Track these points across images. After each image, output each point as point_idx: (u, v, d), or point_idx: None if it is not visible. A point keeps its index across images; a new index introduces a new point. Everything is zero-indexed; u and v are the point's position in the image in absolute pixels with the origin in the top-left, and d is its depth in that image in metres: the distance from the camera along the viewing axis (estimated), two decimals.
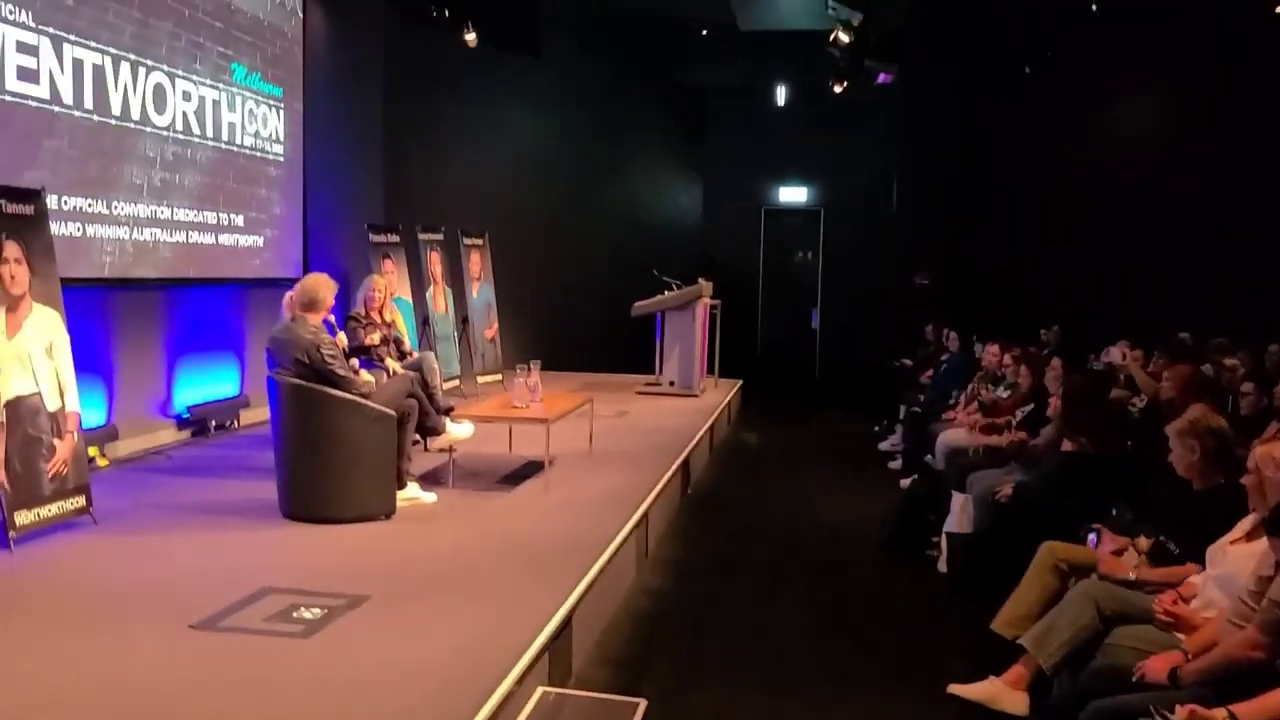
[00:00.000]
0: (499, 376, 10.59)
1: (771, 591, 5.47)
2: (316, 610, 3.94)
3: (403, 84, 11.25)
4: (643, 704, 3.64)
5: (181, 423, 7.54)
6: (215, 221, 7.85)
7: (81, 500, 5.09)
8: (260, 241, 8.46)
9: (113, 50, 6.68)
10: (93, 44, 6.49)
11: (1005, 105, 12.27)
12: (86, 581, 4.32)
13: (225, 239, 7.99)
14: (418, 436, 5.98)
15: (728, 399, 10.88)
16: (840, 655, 4.51)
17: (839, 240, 14.99)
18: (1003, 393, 7.13)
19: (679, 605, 5.16)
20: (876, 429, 10.90)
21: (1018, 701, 3.42)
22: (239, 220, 8.16)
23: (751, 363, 13.91)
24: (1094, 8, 8.83)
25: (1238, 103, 10.88)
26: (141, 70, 6.96)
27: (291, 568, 4.51)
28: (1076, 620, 3.27)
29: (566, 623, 4.02)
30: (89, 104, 6.49)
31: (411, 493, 5.66)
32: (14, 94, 5.90)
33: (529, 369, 6.57)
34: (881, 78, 12.61)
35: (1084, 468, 4.95)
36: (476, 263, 10.70)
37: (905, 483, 7.96)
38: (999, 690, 3.45)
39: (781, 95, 13.58)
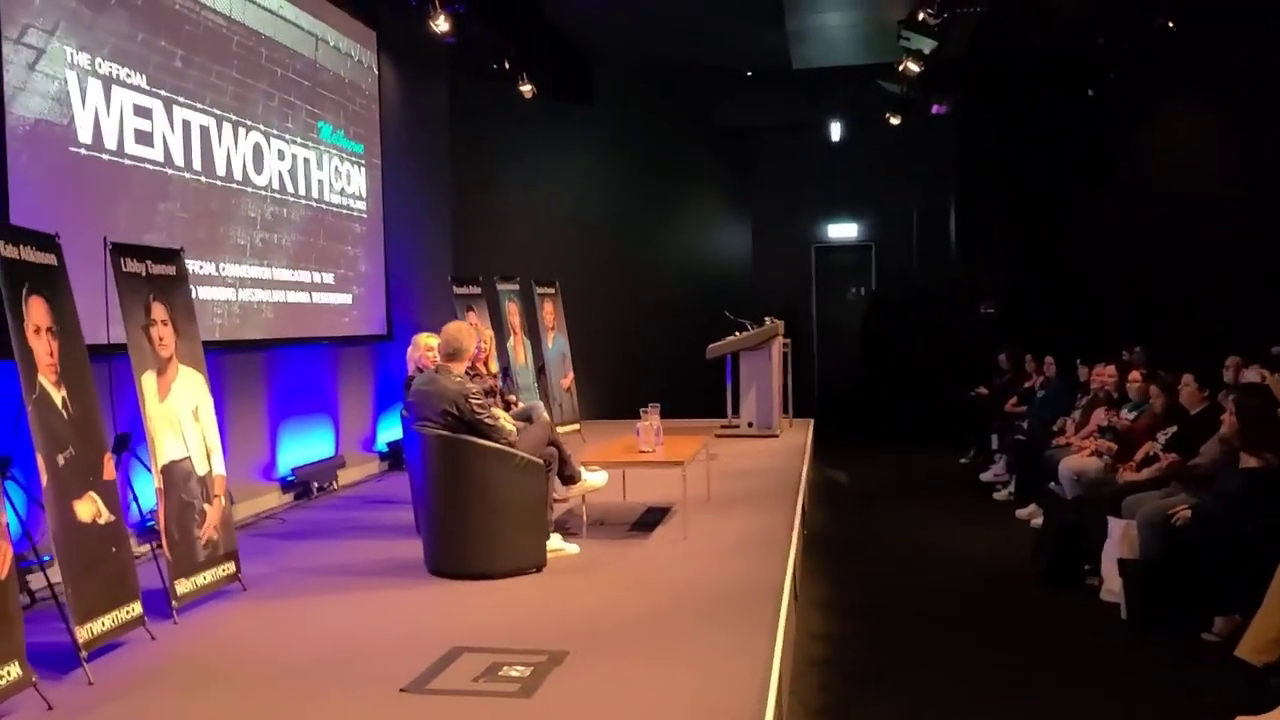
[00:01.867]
0: (577, 426, 10.43)
1: (938, 631, 5.27)
2: (520, 668, 3.75)
3: (465, 137, 11.24)
4: None
5: (286, 485, 7.39)
6: (309, 280, 7.77)
7: (231, 567, 4.92)
8: (349, 299, 8.36)
9: (216, 111, 6.63)
10: (198, 105, 6.45)
11: (1062, 130, 12.24)
12: (268, 649, 4.14)
13: (319, 297, 7.90)
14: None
15: (809, 438, 10.69)
16: (1048, 695, 4.31)
17: (891, 274, 14.91)
18: (1128, 414, 6.95)
19: (852, 649, 4.97)
20: (963, 460, 10.72)
21: None
22: (329, 278, 8.07)
23: (810, 400, 13.73)
24: (1170, 25, 8.75)
25: None
26: (241, 130, 6.92)
27: (470, 626, 4.32)
28: None
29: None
30: (197, 165, 6.43)
31: (555, 544, 5.48)
32: (133, 157, 5.84)
33: (650, 412, 6.43)
34: (935, 109, 12.59)
35: (1273, 483, 4.77)
36: (550, 312, 10.59)
37: (1022, 513, 7.79)
38: None
39: (836, 131, 13.60)
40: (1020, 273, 12.81)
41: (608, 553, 5.65)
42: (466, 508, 5.10)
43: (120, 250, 4.57)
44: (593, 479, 5.96)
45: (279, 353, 7.48)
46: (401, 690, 3.57)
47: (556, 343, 10.65)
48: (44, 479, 3.79)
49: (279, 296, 7.33)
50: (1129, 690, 4.34)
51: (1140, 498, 5.59)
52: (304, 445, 7.72)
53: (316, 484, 7.64)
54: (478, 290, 9.35)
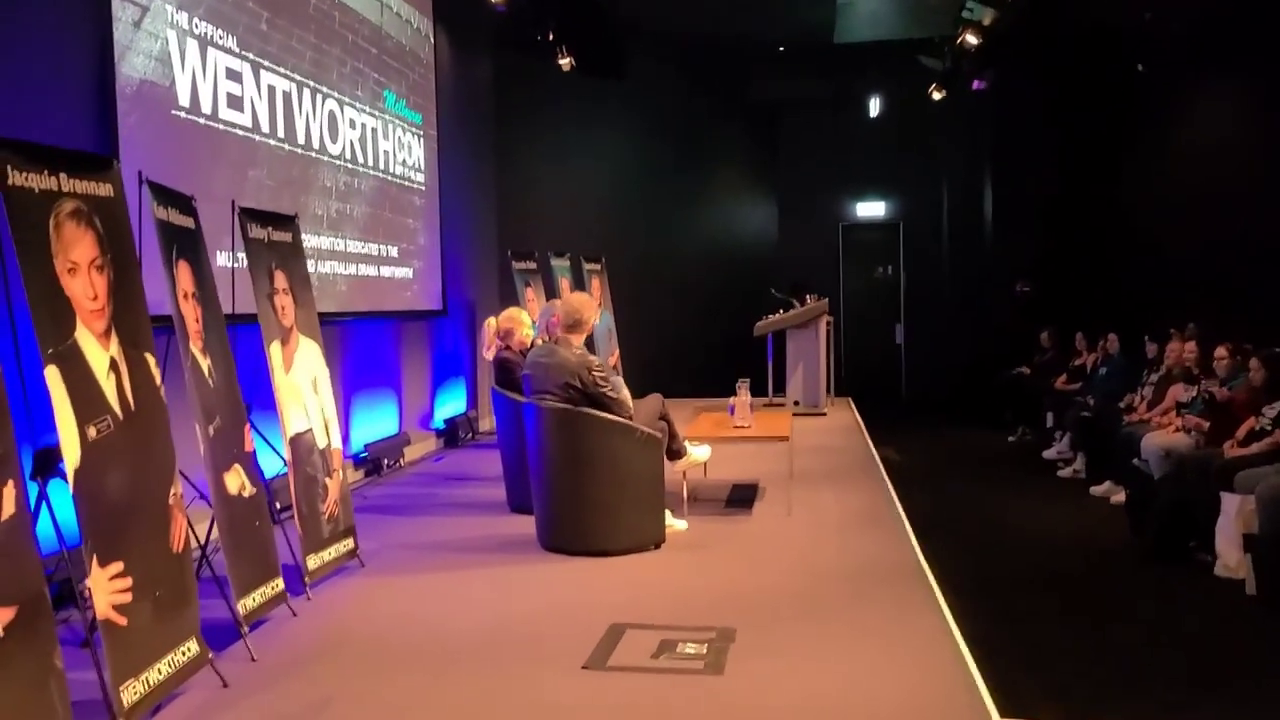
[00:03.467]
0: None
1: (1062, 608, 5.18)
2: (694, 645, 3.65)
3: (506, 109, 11.04)
4: None
5: (358, 462, 7.24)
6: (377, 253, 7.59)
7: (351, 543, 4.79)
8: (410, 273, 8.19)
9: (297, 77, 6.44)
10: (280, 70, 6.26)
11: (1104, 105, 12.15)
12: (417, 624, 4.01)
13: (385, 271, 7.73)
14: None
15: (856, 416, 10.62)
16: (1200, 671, 4.23)
17: (920, 253, 14.80)
18: (1223, 390, 6.87)
19: (986, 625, 4.88)
20: (1011, 438, 10.66)
21: None
22: (393, 251, 7.90)
23: (839, 379, 13.64)
24: None
25: None
26: (319, 97, 6.73)
27: (616, 602, 4.21)
28: None
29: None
30: (281, 133, 6.24)
31: (665, 519, 5.37)
32: (225, 122, 5.65)
33: (742, 388, 6.36)
34: (976, 84, 12.45)
35: None
36: (596, 288, 10.45)
37: (1097, 490, 7.71)
38: None
39: (874, 107, 13.48)
40: (1059, 250, 12.72)
41: (717, 529, 5.55)
42: (587, 482, 4.98)
43: (247, 215, 4.41)
44: (698, 453, 5.85)
45: (350, 326, 7.32)
46: (583, 668, 3.46)
47: (603, 319, 10.50)
48: (201, 449, 3.65)
49: (351, 269, 7.16)
50: (1270, 665, 4.28)
51: (1255, 473, 5.51)
52: (372, 421, 7.57)
53: (386, 461, 7.49)
54: (534, 265, 9.19)
